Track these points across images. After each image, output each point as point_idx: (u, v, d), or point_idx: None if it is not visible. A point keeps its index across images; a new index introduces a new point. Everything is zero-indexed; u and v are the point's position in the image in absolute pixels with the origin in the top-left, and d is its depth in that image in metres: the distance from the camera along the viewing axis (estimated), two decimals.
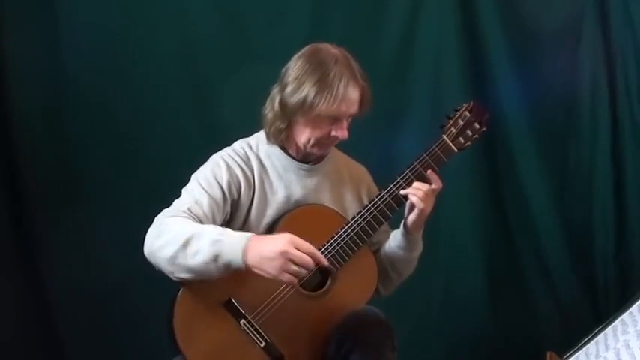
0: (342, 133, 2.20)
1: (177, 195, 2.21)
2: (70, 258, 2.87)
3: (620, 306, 2.06)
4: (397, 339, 2.14)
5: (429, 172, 2.22)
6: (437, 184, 2.23)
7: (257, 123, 2.30)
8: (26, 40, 2.84)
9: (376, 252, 2.36)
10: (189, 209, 2.13)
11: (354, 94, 2.18)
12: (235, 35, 3.03)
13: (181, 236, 2.04)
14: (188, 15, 3.00)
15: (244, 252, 2.00)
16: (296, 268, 1.99)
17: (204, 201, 2.15)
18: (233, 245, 2.02)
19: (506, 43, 3.24)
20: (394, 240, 2.32)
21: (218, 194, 2.18)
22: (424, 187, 2.20)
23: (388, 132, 3.12)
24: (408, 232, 2.27)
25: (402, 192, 2.21)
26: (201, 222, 2.12)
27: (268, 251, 1.99)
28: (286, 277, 2.00)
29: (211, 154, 2.28)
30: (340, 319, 2.14)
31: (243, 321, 2.12)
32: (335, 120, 2.19)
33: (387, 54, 3.19)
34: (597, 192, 3.33)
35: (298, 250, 1.99)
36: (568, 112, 3.32)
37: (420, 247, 2.34)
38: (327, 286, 2.22)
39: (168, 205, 2.18)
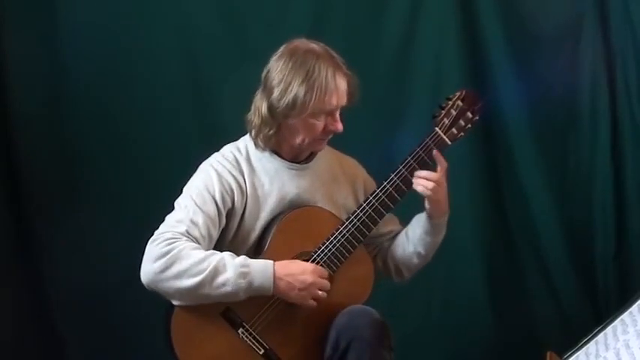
0: (336, 125, 2.19)
1: (176, 196, 2.20)
2: (70, 258, 2.88)
3: (620, 306, 2.06)
4: (394, 339, 2.14)
5: (434, 152, 2.18)
6: (442, 165, 2.19)
7: None
8: (26, 40, 2.84)
9: (392, 240, 2.35)
10: (187, 232, 2.10)
11: (342, 84, 2.16)
12: (235, 35, 3.03)
13: (205, 267, 2.04)
14: (188, 15, 3.01)
15: (275, 281, 2.08)
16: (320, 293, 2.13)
17: (200, 220, 2.12)
18: (261, 274, 2.07)
19: (506, 43, 3.23)
20: (419, 226, 2.29)
21: (212, 210, 2.15)
22: (431, 176, 2.17)
23: (388, 132, 3.12)
24: (432, 219, 2.25)
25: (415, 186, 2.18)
26: (199, 244, 2.10)
27: (299, 282, 2.09)
28: (312, 302, 2.13)
29: (211, 154, 2.27)
30: (336, 319, 2.13)
31: (241, 330, 2.11)
32: (327, 114, 2.17)
33: (387, 54, 3.19)
34: (597, 192, 3.32)
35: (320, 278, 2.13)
36: (568, 112, 3.31)
37: (444, 231, 2.31)
38: None
39: (166, 206, 2.18)
